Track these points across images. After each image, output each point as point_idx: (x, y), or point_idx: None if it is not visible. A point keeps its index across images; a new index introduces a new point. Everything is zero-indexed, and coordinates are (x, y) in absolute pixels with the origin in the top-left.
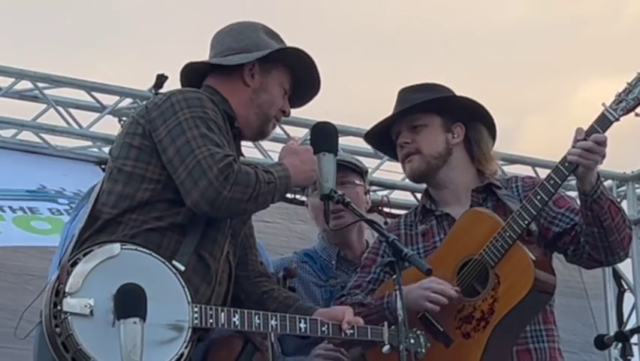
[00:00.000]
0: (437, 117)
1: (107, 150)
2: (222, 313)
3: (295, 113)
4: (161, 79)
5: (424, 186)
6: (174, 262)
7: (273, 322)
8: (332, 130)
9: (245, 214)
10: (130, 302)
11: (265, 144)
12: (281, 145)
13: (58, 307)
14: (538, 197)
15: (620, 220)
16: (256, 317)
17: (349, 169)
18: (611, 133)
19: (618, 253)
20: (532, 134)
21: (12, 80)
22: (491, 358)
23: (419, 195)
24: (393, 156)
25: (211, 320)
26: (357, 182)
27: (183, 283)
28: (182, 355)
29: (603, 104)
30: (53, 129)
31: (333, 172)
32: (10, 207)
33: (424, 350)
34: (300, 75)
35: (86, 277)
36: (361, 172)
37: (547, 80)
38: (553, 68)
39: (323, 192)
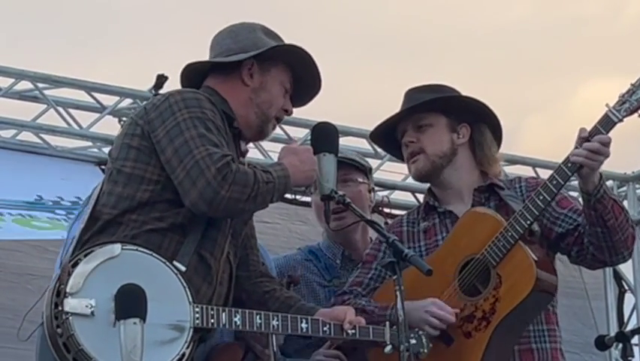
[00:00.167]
0: (443, 117)
1: (107, 150)
2: (224, 314)
3: (295, 113)
4: (161, 79)
5: (425, 186)
6: (175, 263)
7: (274, 322)
8: (332, 130)
9: (243, 214)
10: (130, 303)
11: (265, 144)
12: (281, 145)
13: (60, 308)
14: (541, 197)
15: (623, 220)
16: (257, 317)
17: (352, 167)
18: (612, 133)
19: (622, 252)
20: (533, 135)
21: (12, 80)
22: (492, 357)
23: (420, 196)
24: (398, 156)
25: (212, 320)
26: (361, 180)
27: (184, 284)
28: (183, 355)
29: (607, 105)
30: (53, 130)
31: (334, 172)
32: (9, 213)
33: (425, 351)
34: (300, 74)
35: (87, 277)
36: (365, 170)
37: (547, 80)
38: (553, 68)
39: (323, 192)
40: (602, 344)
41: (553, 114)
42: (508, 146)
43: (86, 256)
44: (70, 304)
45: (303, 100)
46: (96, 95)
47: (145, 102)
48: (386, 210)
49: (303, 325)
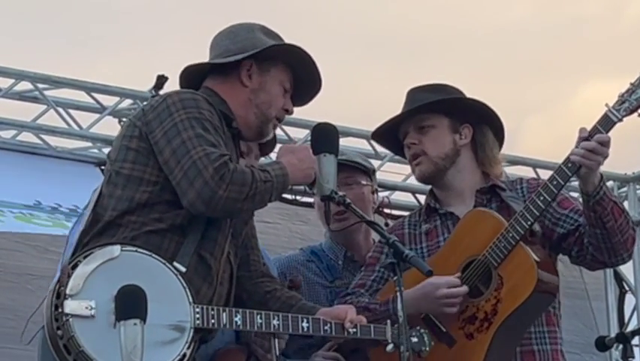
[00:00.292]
0: (445, 118)
1: (107, 150)
2: (224, 314)
3: (295, 114)
4: (161, 80)
5: (426, 187)
6: (175, 264)
7: (275, 321)
8: (332, 131)
9: (242, 213)
10: (130, 304)
11: None
12: (281, 146)
13: (60, 310)
14: (541, 198)
15: (623, 222)
16: (258, 317)
17: (356, 169)
18: (612, 134)
19: (622, 254)
20: (533, 135)
21: (12, 80)
22: (494, 359)
23: (420, 196)
24: (400, 155)
25: (213, 320)
26: (364, 182)
27: (184, 284)
28: (184, 355)
29: (606, 105)
30: (53, 130)
31: (334, 173)
32: (10, 211)
33: (427, 349)
34: (300, 73)
35: (87, 278)
36: (368, 171)
37: (547, 81)
38: (553, 68)
39: (323, 193)
40: (602, 344)
41: (553, 115)
42: (508, 146)
43: (85, 257)
44: (70, 305)
45: (304, 99)
46: (96, 95)
47: (145, 103)
48: (386, 210)
49: (304, 324)
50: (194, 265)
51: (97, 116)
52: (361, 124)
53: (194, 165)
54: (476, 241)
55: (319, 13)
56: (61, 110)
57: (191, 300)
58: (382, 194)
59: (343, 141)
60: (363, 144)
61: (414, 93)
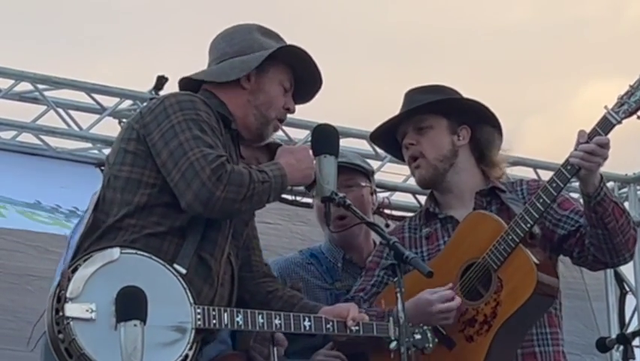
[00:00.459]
0: (443, 119)
1: (107, 151)
2: (225, 314)
3: (296, 114)
4: (161, 80)
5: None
6: (175, 266)
7: (276, 321)
8: (333, 132)
9: (240, 214)
10: (130, 305)
11: None
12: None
13: (60, 313)
14: (541, 200)
15: (624, 222)
16: (259, 317)
17: (355, 171)
18: (612, 135)
19: (623, 254)
20: (533, 136)
21: (12, 81)
22: None
23: (420, 197)
24: (399, 157)
25: (214, 321)
26: (363, 184)
27: (184, 285)
28: (186, 356)
29: (605, 107)
30: (53, 131)
31: (334, 174)
32: (12, 205)
33: (431, 345)
34: (300, 72)
35: (87, 281)
36: (367, 173)
37: (547, 82)
38: (553, 69)
39: (324, 194)
40: (603, 345)
41: (553, 115)
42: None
43: (85, 260)
44: (70, 309)
45: (306, 97)
46: (96, 96)
47: (144, 104)
48: (387, 211)
49: (306, 323)
50: (194, 267)
51: (97, 116)
52: (361, 125)
53: (191, 166)
54: (476, 243)
55: (319, 13)
56: (61, 110)
57: (191, 301)
58: (382, 195)
59: (343, 142)
60: (363, 145)
61: (411, 94)
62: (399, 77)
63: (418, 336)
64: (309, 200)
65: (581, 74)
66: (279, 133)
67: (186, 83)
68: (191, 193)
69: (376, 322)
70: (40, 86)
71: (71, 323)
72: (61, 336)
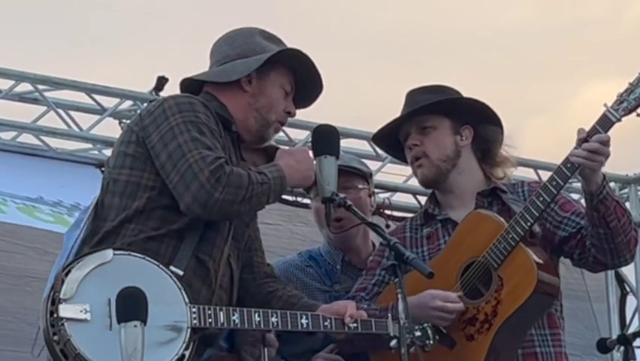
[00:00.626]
0: (446, 119)
1: (107, 152)
2: (221, 313)
3: (297, 115)
4: (161, 81)
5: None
6: (172, 268)
7: (273, 319)
8: (333, 133)
9: (239, 216)
10: (131, 306)
11: None
12: (282, 147)
13: (55, 315)
14: (541, 198)
15: (626, 221)
16: (256, 315)
17: (352, 174)
18: (613, 135)
19: (624, 255)
20: (534, 137)
21: (12, 82)
22: (495, 360)
23: (421, 198)
24: (400, 158)
25: (210, 320)
26: (360, 186)
27: (179, 285)
28: (183, 356)
29: (605, 105)
30: (53, 132)
31: (335, 175)
32: (13, 201)
33: (431, 342)
34: (301, 75)
35: (80, 282)
36: (365, 175)
37: (548, 82)
38: (554, 69)
39: (324, 195)
40: (603, 346)
41: (554, 116)
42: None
43: (78, 262)
44: (64, 309)
45: (307, 101)
46: (96, 96)
47: (145, 104)
48: (387, 212)
49: (304, 321)
50: (192, 268)
51: (97, 117)
52: (362, 125)
53: (190, 168)
54: (476, 242)
55: (319, 14)
56: (61, 111)
57: (186, 300)
58: (383, 195)
59: (344, 143)
60: (363, 145)
61: (413, 95)
62: (399, 78)
63: (418, 333)
64: (309, 200)
65: (582, 75)
66: (280, 134)
67: (188, 85)
68: (190, 195)
69: (375, 319)
70: (41, 87)
71: (66, 323)
72: (56, 338)
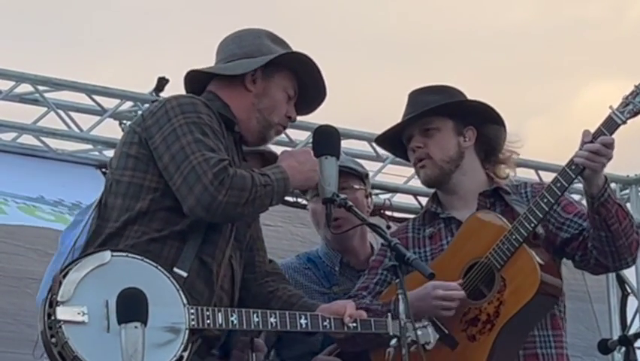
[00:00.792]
0: (449, 121)
1: (107, 153)
2: (219, 314)
3: (297, 120)
4: (162, 82)
5: (427, 189)
6: (176, 270)
7: (272, 319)
8: (334, 133)
9: (242, 218)
10: (131, 307)
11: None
12: (283, 148)
13: (52, 317)
14: (545, 200)
15: (627, 225)
16: (254, 316)
17: (349, 174)
18: (615, 136)
19: (626, 258)
20: (535, 137)
21: (12, 83)
22: None
23: (422, 199)
24: (404, 158)
25: (208, 321)
26: (357, 186)
27: (177, 286)
28: (181, 357)
29: (610, 107)
30: (54, 133)
31: (336, 176)
32: (14, 201)
33: (432, 341)
34: (305, 80)
35: (78, 285)
36: (361, 176)
37: (549, 83)
38: (555, 70)
39: (325, 195)
40: (604, 347)
41: (555, 117)
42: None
43: (76, 264)
44: (61, 312)
45: (310, 107)
46: (97, 97)
47: (145, 105)
48: (388, 213)
49: (302, 321)
50: (195, 270)
51: (97, 118)
52: (362, 126)
53: (193, 170)
54: (479, 243)
55: (320, 14)
56: (61, 112)
57: (185, 301)
58: (384, 196)
59: (344, 143)
60: (364, 146)
61: (415, 95)
62: (400, 79)
63: (419, 332)
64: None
65: (583, 75)
66: (280, 135)
67: (191, 83)
68: (194, 197)
69: (374, 318)
70: (41, 88)
71: (63, 326)
72: (53, 340)
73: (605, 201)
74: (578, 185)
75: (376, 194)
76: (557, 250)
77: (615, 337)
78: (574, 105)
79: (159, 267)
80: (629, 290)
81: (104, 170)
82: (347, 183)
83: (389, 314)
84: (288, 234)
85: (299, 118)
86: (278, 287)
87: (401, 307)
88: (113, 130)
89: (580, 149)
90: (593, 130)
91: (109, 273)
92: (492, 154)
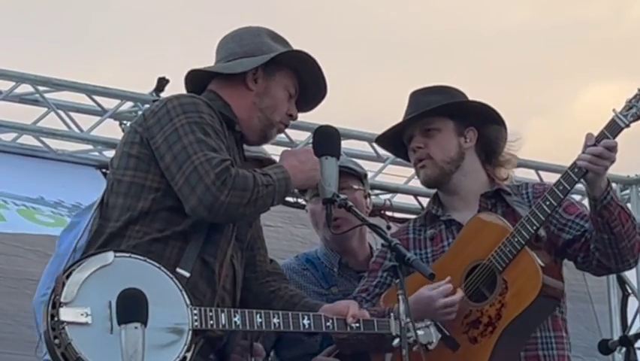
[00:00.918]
0: (450, 121)
1: (107, 153)
2: (223, 314)
3: (298, 118)
4: (162, 82)
5: (428, 189)
6: (179, 270)
7: (275, 320)
8: (334, 134)
9: (244, 218)
10: (131, 307)
11: (267, 147)
12: (283, 148)
13: (55, 318)
14: (547, 203)
15: (630, 226)
16: (257, 316)
17: (347, 174)
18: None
19: (628, 260)
20: (535, 138)
21: (12, 83)
22: None
23: (422, 199)
24: (405, 158)
25: (211, 322)
26: (356, 187)
27: (180, 287)
28: (184, 358)
29: (614, 110)
30: (54, 133)
31: (336, 176)
32: (14, 202)
33: (434, 341)
34: (305, 79)
35: (81, 286)
36: (360, 176)
37: (550, 83)
38: (556, 70)
39: (325, 196)
40: (605, 347)
41: (555, 117)
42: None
43: (79, 265)
44: (65, 313)
45: (310, 105)
46: (97, 98)
47: (145, 106)
48: (388, 213)
49: (305, 321)
50: (198, 270)
51: (97, 118)
52: (363, 126)
53: (195, 170)
54: (481, 245)
55: (320, 14)
56: (61, 112)
57: (188, 302)
58: (384, 197)
59: (345, 144)
60: (364, 147)
61: (417, 96)
62: (400, 79)
63: (421, 332)
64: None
65: (583, 76)
66: (280, 135)
67: (192, 82)
68: (196, 198)
69: (377, 318)
70: (41, 88)
71: (66, 327)
72: (57, 341)
73: (607, 203)
74: (579, 185)
75: (377, 194)
76: (559, 251)
77: (616, 337)
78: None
79: (162, 268)
80: (630, 291)
81: (104, 170)
82: (346, 184)
83: (392, 314)
84: (288, 234)
85: (299, 118)
86: (279, 287)
87: (401, 307)
88: (113, 130)
89: (583, 152)
90: (595, 133)
91: (112, 274)
92: (493, 155)
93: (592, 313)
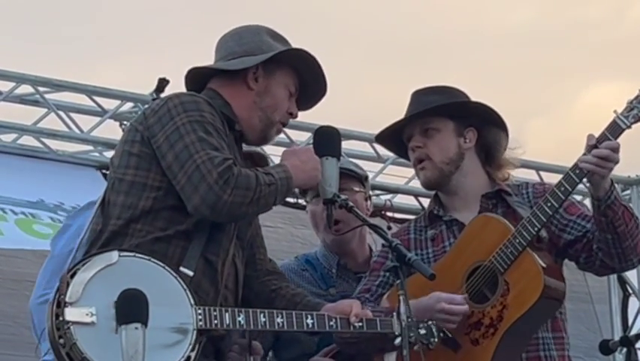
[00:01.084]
0: (450, 122)
1: (108, 154)
2: (227, 314)
3: (298, 116)
4: (162, 83)
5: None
6: (182, 269)
7: (279, 319)
8: (335, 134)
9: (247, 217)
10: (131, 308)
11: (267, 147)
12: (283, 149)
13: (60, 318)
14: (549, 204)
15: (633, 226)
16: (261, 316)
17: (348, 176)
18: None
19: (631, 259)
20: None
21: (12, 84)
22: None
23: (423, 200)
24: (405, 157)
25: (216, 321)
26: (356, 189)
27: (184, 286)
28: (189, 358)
29: (615, 111)
30: (54, 134)
31: (336, 176)
32: (12, 211)
33: (436, 339)
34: (305, 77)
35: (86, 285)
36: (360, 178)
37: (550, 84)
38: (556, 71)
39: (326, 196)
40: (606, 348)
41: (556, 117)
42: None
43: (83, 265)
44: (70, 313)
45: (309, 103)
46: (97, 98)
47: (146, 106)
48: (389, 213)
49: (309, 321)
50: (201, 269)
51: (98, 119)
52: (363, 127)
53: (197, 169)
54: (483, 246)
55: (322, 15)
56: (62, 113)
57: (192, 302)
58: (384, 197)
59: (345, 144)
60: (365, 147)
61: (417, 96)
62: (401, 80)
63: (422, 331)
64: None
65: (584, 76)
66: (281, 135)
67: (192, 81)
68: (198, 197)
69: (379, 318)
70: (41, 89)
71: (71, 327)
72: (62, 341)
73: (612, 203)
74: (580, 185)
75: (377, 195)
76: (560, 252)
77: (616, 338)
78: (575, 106)
79: (166, 267)
80: (631, 291)
81: (104, 171)
82: (347, 185)
83: (394, 314)
84: (288, 235)
85: (299, 118)
86: (281, 285)
87: (402, 308)
88: (113, 131)
89: (584, 154)
90: (596, 133)
91: (117, 273)
92: (493, 156)
93: (593, 313)
